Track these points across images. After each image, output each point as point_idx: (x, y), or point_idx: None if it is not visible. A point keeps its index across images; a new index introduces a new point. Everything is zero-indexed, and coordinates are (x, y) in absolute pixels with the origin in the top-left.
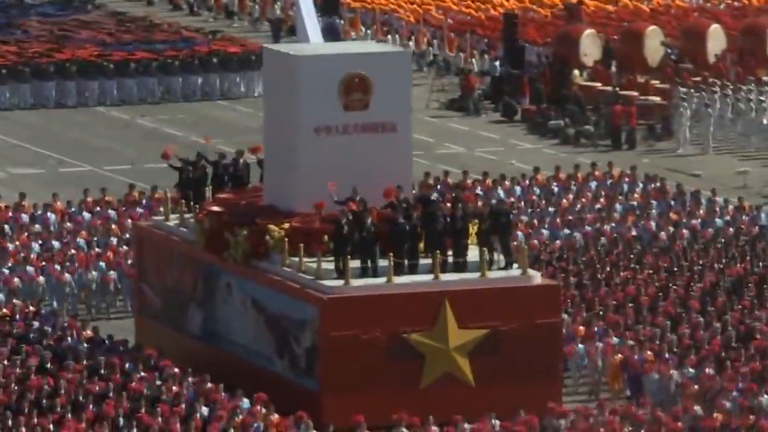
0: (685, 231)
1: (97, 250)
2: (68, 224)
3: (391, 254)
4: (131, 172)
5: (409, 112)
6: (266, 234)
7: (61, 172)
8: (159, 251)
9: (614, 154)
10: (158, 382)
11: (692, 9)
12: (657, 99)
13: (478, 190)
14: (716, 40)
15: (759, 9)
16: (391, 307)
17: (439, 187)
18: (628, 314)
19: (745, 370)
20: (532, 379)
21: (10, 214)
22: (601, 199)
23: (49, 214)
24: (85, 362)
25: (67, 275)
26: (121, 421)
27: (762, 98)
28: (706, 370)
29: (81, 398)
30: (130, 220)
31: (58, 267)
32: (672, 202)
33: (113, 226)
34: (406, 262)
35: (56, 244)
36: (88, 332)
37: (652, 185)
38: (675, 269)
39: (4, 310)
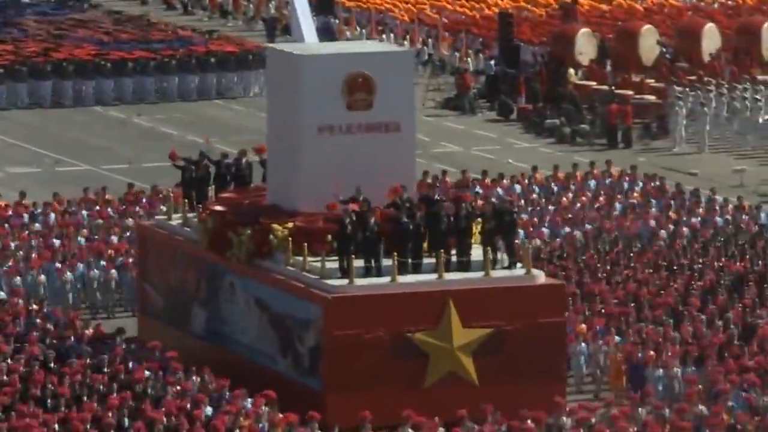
0: (684, 229)
1: (98, 249)
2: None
3: (395, 253)
4: (128, 171)
5: (413, 111)
6: (270, 233)
7: (59, 171)
8: (162, 251)
9: (610, 152)
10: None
11: (686, 8)
12: (652, 98)
13: (477, 189)
14: (711, 39)
15: (753, 8)
16: (395, 306)
17: (438, 185)
18: (629, 312)
19: (750, 365)
20: (536, 379)
21: (10, 212)
22: (601, 198)
23: (49, 212)
24: (88, 360)
25: (68, 274)
26: (126, 421)
27: (757, 97)
28: (709, 368)
29: (85, 396)
30: (130, 219)
31: (59, 265)
32: (672, 201)
33: (114, 226)
34: (409, 261)
35: (57, 242)
36: (90, 330)
37: (652, 184)
38: (675, 268)
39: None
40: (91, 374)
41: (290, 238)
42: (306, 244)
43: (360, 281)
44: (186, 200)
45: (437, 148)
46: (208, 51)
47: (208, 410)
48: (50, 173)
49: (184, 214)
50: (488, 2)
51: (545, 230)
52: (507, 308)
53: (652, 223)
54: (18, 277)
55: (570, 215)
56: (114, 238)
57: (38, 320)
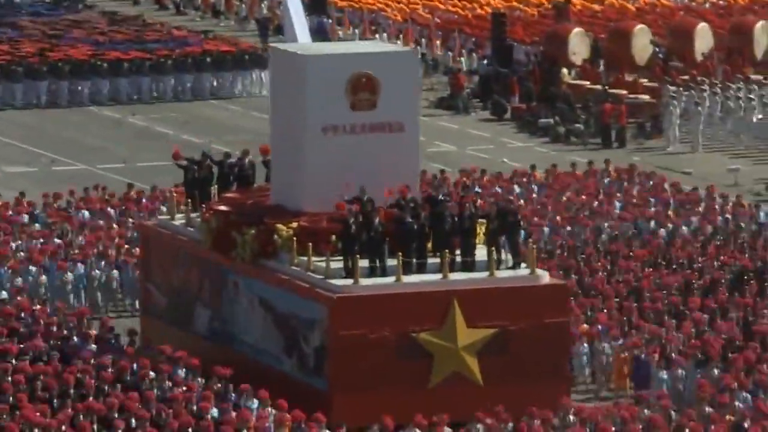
0: (684, 228)
1: (99, 248)
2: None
3: (400, 253)
4: (123, 170)
5: (417, 111)
6: (274, 233)
7: (55, 170)
8: (165, 251)
9: (604, 152)
10: (168, 383)
11: (678, 8)
12: (646, 97)
13: (477, 188)
14: (703, 38)
15: (744, 8)
16: (400, 306)
17: (435, 184)
18: (631, 311)
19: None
20: (541, 379)
21: (10, 212)
22: (600, 197)
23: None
24: (93, 361)
25: (69, 274)
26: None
27: (751, 96)
28: (714, 370)
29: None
30: (131, 220)
31: (59, 265)
32: (670, 200)
33: (114, 225)
34: (414, 261)
35: (57, 242)
36: (93, 331)
37: (650, 182)
38: (674, 266)
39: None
40: (97, 373)
41: (295, 238)
42: (310, 244)
43: (365, 281)
44: (189, 200)
45: (431, 148)
46: (203, 51)
47: (214, 411)
48: (46, 173)
49: (187, 214)
50: (480, 2)
51: (545, 229)
52: (511, 308)
53: (651, 222)
54: (19, 278)
55: (569, 214)
56: (115, 239)
57: (42, 320)
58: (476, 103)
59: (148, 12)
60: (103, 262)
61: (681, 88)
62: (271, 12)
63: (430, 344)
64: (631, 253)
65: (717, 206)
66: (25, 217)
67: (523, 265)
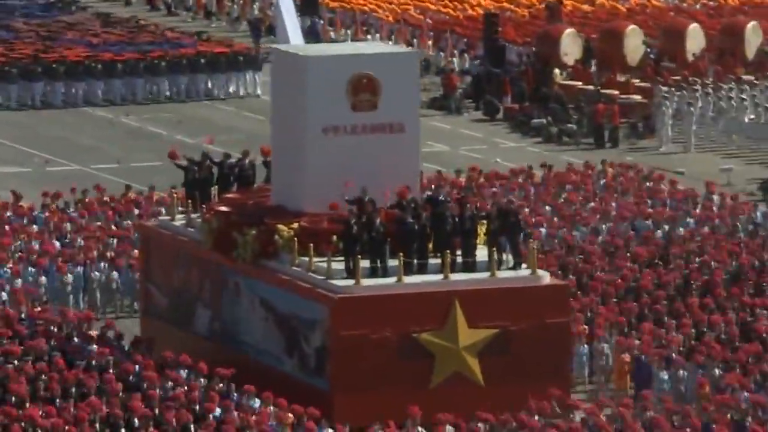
0: (682, 228)
1: (99, 249)
2: (67, 225)
3: (401, 254)
4: (117, 170)
5: (417, 112)
6: (275, 234)
7: (49, 170)
8: (165, 251)
9: (597, 152)
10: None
11: (668, 9)
12: (638, 97)
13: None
14: (695, 39)
15: (734, 9)
16: (401, 306)
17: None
18: (631, 311)
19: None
20: (542, 379)
21: (8, 214)
22: (597, 197)
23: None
24: (94, 362)
25: (69, 276)
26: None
27: (743, 96)
28: (715, 369)
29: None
30: (128, 222)
31: (59, 266)
32: (668, 199)
33: (113, 226)
34: (415, 261)
35: (57, 244)
36: (94, 332)
37: (648, 183)
38: (672, 266)
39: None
40: (99, 374)
41: (296, 239)
42: (311, 244)
43: (366, 281)
44: (189, 201)
45: (425, 148)
46: (197, 52)
47: (217, 411)
48: (40, 173)
49: (187, 215)
50: (471, 3)
51: (542, 230)
52: (512, 309)
53: (649, 221)
54: (19, 279)
55: (567, 214)
56: (114, 240)
57: (42, 321)
58: (469, 103)
59: (140, 13)
60: (102, 264)
61: (673, 89)
62: (263, 13)
63: (432, 344)
64: (628, 253)
65: (714, 206)
66: (24, 219)
67: (523, 265)
